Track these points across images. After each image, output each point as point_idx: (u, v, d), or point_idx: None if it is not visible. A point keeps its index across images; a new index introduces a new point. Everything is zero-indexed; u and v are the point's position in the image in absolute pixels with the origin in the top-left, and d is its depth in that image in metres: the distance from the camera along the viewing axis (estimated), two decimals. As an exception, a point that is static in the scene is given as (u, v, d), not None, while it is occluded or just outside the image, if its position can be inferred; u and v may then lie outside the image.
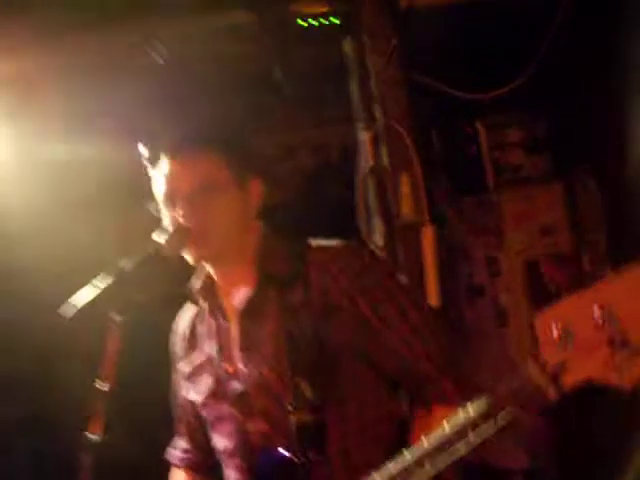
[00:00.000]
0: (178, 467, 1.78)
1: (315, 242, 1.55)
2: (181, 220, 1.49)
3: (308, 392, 1.40)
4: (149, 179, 1.58)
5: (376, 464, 1.33)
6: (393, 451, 1.31)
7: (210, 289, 1.61)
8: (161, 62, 2.47)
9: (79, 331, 1.59)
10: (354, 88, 2.70)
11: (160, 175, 1.52)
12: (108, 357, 1.44)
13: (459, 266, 3.80)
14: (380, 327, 1.44)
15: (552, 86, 3.25)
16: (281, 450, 1.42)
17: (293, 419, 1.40)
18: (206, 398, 1.59)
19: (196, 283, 1.64)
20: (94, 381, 1.45)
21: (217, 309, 1.60)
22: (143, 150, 1.56)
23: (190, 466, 1.76)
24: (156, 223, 1.56)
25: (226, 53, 2.79)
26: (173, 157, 1.50)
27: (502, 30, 3.03)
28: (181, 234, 1.49)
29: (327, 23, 2.67)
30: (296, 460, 1.40)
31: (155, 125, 1.70)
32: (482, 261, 3.62)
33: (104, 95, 3.02)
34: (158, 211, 1.56)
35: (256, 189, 1.55)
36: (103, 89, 2.97)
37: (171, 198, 1.50)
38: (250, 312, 1.52)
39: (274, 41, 2.70)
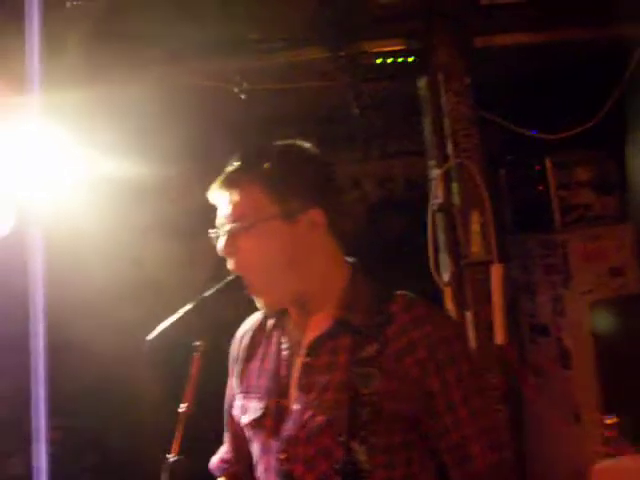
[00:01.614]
0: (218, 476, 1.74)
1: (402, 296, 1.49)
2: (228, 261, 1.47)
3: (361, 455, 1.35)
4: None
5: None
6: None
7: (281, 315, 1.56)
8: (242, 96, 2.56)
9: (157, 354, 1.62)
10: (427, 125, 2.73)
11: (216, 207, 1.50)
12: (190, 381, 1.49)
13: (523, 305, 3.77)
14: (442, 408, 1.41)
15: (623, 126, 3.23)
16: None
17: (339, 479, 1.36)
18: (251, 423, 1.53)
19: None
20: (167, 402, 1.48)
21: (284, 336, 1.54)
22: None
23: (228, 477, 1.72)
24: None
25: (301, 87, 2.86)
26: (219, 191, 1.48)
27: (576, 70, 3.04)
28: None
29: (402, 61, 2.72)
30: None
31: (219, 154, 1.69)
32: (547, 300, 3.59)
33: (181, 123, 3.14)
34: None
35: (310, 219, 1.45)
36: (180, 118, 3.08)
37: (216, 233, 1.47)
38: (318, 353, 1.47)
39: (348, 77, 2.76)
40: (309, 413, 1.44)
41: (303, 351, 1.49)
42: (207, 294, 1.52)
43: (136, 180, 3.25)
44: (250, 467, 1.61)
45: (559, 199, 3.56)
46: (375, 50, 2.71)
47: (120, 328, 3.51)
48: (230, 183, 1.46)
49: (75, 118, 2.92)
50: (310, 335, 1.49)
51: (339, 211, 1.52)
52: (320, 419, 1.42)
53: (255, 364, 1.59)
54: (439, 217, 2.66)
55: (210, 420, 1.79)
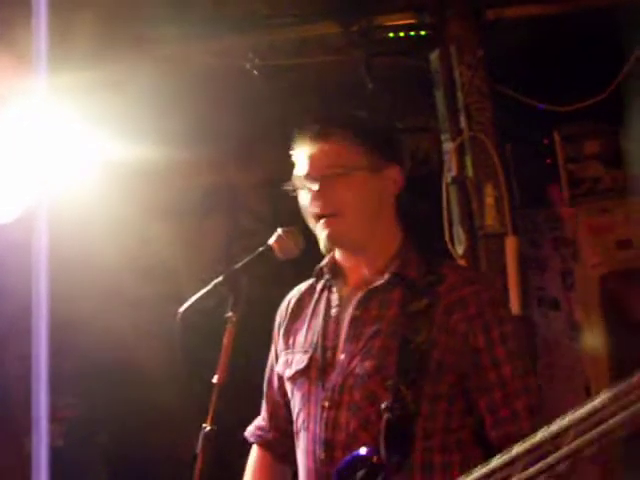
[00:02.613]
0: (254, 443, 1.76)
1: (450, 262, 1.61)
2: (312, 203, 1.53)
3: (409, 398, 1.40)
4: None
5: (455, 475, 1.37)
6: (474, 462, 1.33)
7: (332, 270, 1.61)
8: (255, 72, 2.56)
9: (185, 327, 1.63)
10: (440, 99, 2.74)
11: (300, 159, 1.57)
12: (223, 352, 1.50)
13: (532, 279, 3.78)
14: (487, 364, 1.45)
15: (634, 98, 3.22)
16: (363, 450, 1.40)
17: (385, 420, 1.39)
18: (295, 374, 1.57)
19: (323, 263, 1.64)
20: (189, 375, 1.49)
21: (334, 294, 1.59)
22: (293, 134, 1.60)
23: (262, 444, 1.75)
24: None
25: (314, 63, 2.86)
26: (312, 142, 1.54)
27: (587, 42, 3.03)
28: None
29: (414, 34, 2.71)
30: (377, 461, 1.38)
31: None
32: (557, 274, 3.60)
33: (191, 104, 3.12)
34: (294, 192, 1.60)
35: (392, 175, 1.55)
36: (190, 99, 3.07)
37: (305, 181, 1.54)
38: (367, 306, 1.52)
39: (360, 52, 2.75)
40: (357, 359, 1.48)
41: (353, 305, 1.54)
42: (237, 266, 1.55)
43: (145, 161, 3.25)
44: (285, 434, 1.65)
45: (567, 173, 3.56)
46: (387, 24, 2.71)
47: (128, 307, 3.53)
48: (321, 137, 1.54)
49: (84, 99, 2.91)
50: (361, 290, 1.54)
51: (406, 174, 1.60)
52: (368, 364, 1.46)
53: (301, 323, 1.64)
54: (453, 190, 2.67)
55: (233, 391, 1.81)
